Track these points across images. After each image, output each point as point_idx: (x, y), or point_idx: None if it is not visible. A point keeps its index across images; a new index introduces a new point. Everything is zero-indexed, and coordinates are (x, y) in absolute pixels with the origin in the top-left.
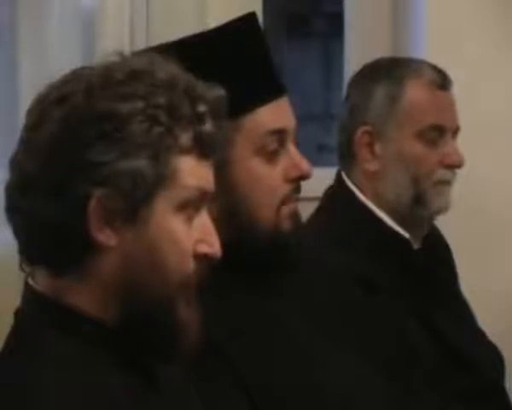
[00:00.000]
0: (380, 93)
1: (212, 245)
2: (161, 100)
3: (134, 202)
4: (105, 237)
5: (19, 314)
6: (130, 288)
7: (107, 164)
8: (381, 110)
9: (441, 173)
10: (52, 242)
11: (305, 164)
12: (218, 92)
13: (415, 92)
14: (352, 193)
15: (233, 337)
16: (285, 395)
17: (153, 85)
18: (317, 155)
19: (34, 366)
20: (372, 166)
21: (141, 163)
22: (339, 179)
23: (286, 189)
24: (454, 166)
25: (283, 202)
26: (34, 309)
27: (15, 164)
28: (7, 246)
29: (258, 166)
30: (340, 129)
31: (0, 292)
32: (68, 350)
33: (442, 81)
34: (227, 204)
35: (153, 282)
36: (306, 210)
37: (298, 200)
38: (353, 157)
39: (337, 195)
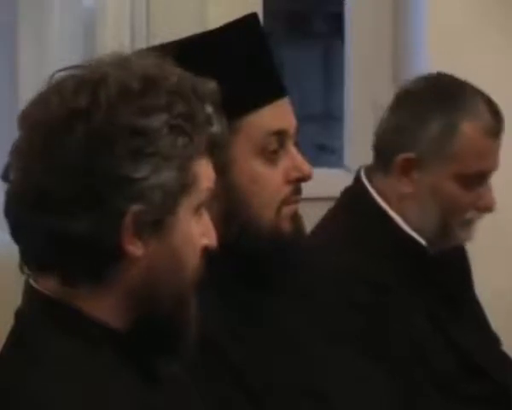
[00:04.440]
0: (433, 127)
1: (211, 236)
2: (181, 108)
3: (162, 214)
4: (134, 248)
5: (19, 314)
6: (149, 292)
7: (140, 180)
8: (430, 144)
9: (471, 214)
10: (74, 254)
11: (305, 165)
12: (212, 85)
13: (468, 137)
14: (371, 196)
15: (233, 337)
16: (285, 395)
17: (169, 94)
18: (316, 155)
19: (34, 366)
20: (405, 188)
21: (170, 175)
22: (358, 180)
23: (286, 190)
24: (486, 210)
25: (283, 203)
26: (35, 309)
27: (25, 177)
28: (7, 246)
29: (258, 166)
30: (382, 135)
31: (0, 292)
32: (69, 350)
33: (497, 128)
34: (227, 204)
35: (172, 285)
36: (306, 210)
37: (298, 201)
38: (387, 171)
39: (355, 196)
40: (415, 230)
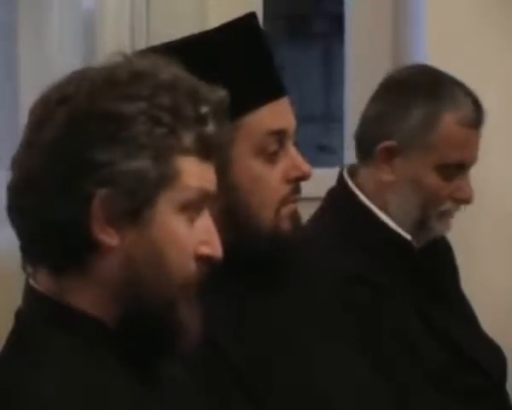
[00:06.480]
0: (415, 116)
1: (215, 246)
2: (164, 101)
3: (137, 203)
4: (107, 237)
5: (20, 314)
6: (131, 288)
7: (110, 164)
8: (411, 132)
9: (448, 205)
10: (54, 241)
11: (305, 165)
12: (221, 94)
13: (449, 127)
14: (354, 194)
15: (233, 337)
16: (285, 395)
17: (156, 86)
18: (316, 155)
19: (34, 367)
20: (387, 176)
21: (144, 163)
22: (340, 180)
23: (285, 189)
24: (464, 201)
25: (283, 203)
26: (35, 309)
27: (18, 164)
28: (7, 246)
29: (257, 166)
30: (363, 125)
31: (0, 292)
32: (69, 350)
33: (478, 119)
34: (227, 204)
35: (154, 282)
36: (306, 210)
37: (297, 200)
38: (369, 160)
39: (338, 195)
40: (396, 221)
